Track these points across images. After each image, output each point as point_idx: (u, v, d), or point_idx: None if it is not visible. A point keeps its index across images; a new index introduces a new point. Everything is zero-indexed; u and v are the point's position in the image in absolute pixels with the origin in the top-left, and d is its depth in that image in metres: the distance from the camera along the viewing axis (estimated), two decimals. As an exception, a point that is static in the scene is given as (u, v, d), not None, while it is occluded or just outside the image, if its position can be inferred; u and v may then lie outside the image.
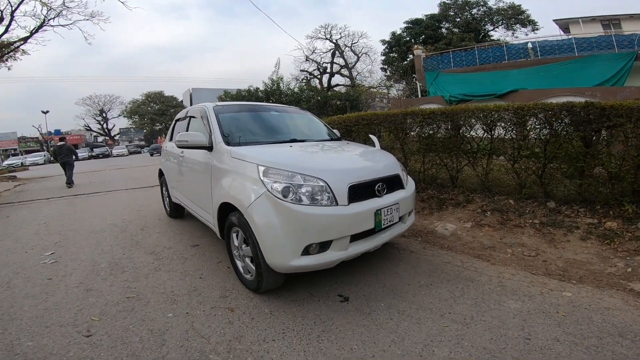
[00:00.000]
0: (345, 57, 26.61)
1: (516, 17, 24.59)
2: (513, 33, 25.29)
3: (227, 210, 2.48)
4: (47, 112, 39.78)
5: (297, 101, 16.17)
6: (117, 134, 54.89)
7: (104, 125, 51.16)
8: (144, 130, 51.40)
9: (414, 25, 26.78)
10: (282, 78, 16.69)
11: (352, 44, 26.95)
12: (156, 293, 2.50)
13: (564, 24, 17.89)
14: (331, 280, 2.58)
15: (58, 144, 10.01)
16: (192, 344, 1.90)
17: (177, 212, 4.57)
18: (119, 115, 50.34)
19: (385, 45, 28.41)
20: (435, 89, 15.54)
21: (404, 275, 2.66)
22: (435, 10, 27.38)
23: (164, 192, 4.91)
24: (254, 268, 2.28)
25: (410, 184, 2.86)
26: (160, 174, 4.85)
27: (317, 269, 2.12)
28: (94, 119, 50.02)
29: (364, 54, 27.35)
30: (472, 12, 25.80)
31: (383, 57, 28.96)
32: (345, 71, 26.99)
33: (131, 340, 1.95)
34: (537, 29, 24.27)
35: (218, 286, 2.57)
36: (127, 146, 43.44)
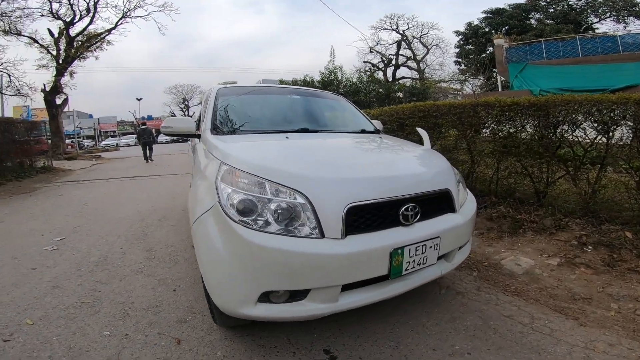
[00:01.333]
0: (413, 48, 24.81)
1: (629, 9, 20.16)
2: (625, 27, 20.81)
3: None
4: (141, 99, 44.95)
5: (356, 92, 15.26)
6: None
7: (186, 113, 56.33)
8: (220, 120, 55.66)
9: (495, 16, 23.82)
10: (339, 67, 15.88)
11: (421, 35, 25.03)
12: (114, 302, 2.12)
13: None
14: (321, 326, 1.82)
15: (141, 127, 12.06)
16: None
17: None
18: (198, 104, 54.68)
19: (460, 37, 25.85)
20: (521, 82, 13.41)
21: (433, 332, 1.77)
22: (521, 0, 23.92)
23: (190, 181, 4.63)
24: None
25: (468, 205, 1.94)
26: None
27: (285, 321, 1.49)
28: (178, 106, 55.52)
29: (434, 46, 25.27)
30: (570, 3, 21.98)
31: (457, 50, 26.37)
32: (412, 63, 25.21)
33: (39, 355, 1.64)
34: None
35: (184, 306, 2.07)
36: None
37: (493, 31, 23.42)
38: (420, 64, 25.25)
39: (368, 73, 22.34)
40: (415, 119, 4.36)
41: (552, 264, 2.58)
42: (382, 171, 1.66)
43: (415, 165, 1.88)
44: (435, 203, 1.69)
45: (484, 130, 3.86)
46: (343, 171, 1.57)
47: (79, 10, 13.25)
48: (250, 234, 1.31)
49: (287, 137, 2.08)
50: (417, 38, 25.14)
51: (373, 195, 1.47)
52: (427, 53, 25.40)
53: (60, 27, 12.90)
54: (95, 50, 13.76)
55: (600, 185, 3.04)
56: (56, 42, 13.09)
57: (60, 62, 13.19)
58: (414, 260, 1.50)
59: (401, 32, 24.83)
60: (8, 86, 13.58)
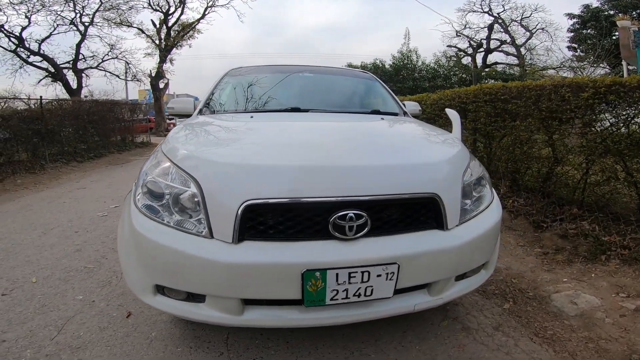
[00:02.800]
0: (510, 32, 21.60)
1: None
2: None
3: None
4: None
5: (433, 78, 13.88)
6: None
7: None
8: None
9: None
10: (414, 50, 14.56)
11: (521, 18, 21.59)
12: (110, 270, 2.20)
13: None
14: (269, 334, 1.56)
15: None
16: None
17: None
18: None
19: (574, 20, 21.58)
20: (656, 69, 10.41)
21: None
22: None
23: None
24: None
25: (484, 217, 1.37)
26: None
27: (188, 319, 1.35)
28: None
29: (539, 30, 21.69)
30: None
31: (571, 34, 22.15)
32: (508, 48, 21.93)
33: (14, 310, 1.69)
34: None
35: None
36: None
37: (619, 14, 18.90)
38: (521, 49, 21.89)
39: (454, 58, 20.25)
40: (479, 103, 3.62)
41: (627, 307, 1.81)
42: (333, 159, 1.24)
43: (393, 156, 1.37)
44: (409, 213, 1.21)
45: (576, 122, 2.94)
46: (269, 156, 1.25)
47: (173, 2, 15.08)
48: (140, 222, 1.16)
49: (251, 117, 1.85)
50: (516, 21, 21.78)
51: (287, 192, 1.10)
52: (530, 37, 21.82)
53: (160, 18, 14.95)
54: (188, 38, 15.58)
55: None
56: (158, 32, 15.22)
57: (162, 50, 15.21)
58: (346, 290, 1.10)
59: (495, 14, 21.76)
60: (126, 72, 16.22)
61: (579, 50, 21.90)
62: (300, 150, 1.33)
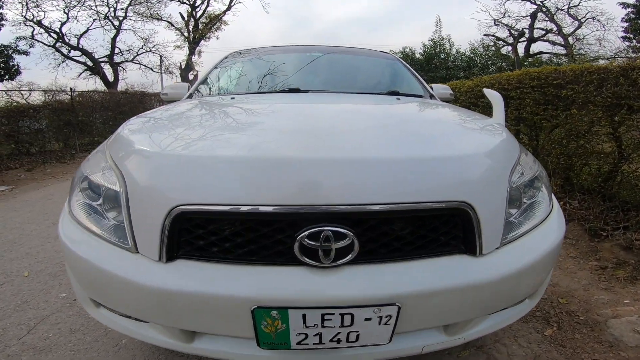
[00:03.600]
0: (557, 20, 19.91)
1: None
2: None
3: None
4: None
5: (469, 67, 12.97)
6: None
7: None
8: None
9: None
10: (447, 38, 13.60)
11: (568, 6, 19.82)
12: None
13: None
14: None
15: None
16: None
17: None
18: None
19: (629, 10, 19.62)
20: None
21: None
22: None
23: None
24: None
25: (540, 236, 0.95)
26: None
27: (136, 338, 1.02)
28: None
29: (589, 19, 19.92)
30: None
31: (626, 24, 20.21)
32: (554, 37, 20.21)
33: None
34: None
35: None
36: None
37: None
38: (569, 39, 20.14)
39: (492, 48, 19.00)
40: (524, 89, 3.12)
41: None
42: (307, 151, 0.89)
43: (403, 146, 0.96)
44: (420, 231, 0.84)
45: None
46: (219, 146, 0.93)
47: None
48: (65, 228, 0.96)
49: (232, 99, 1.59)
50: (562, 10, 20.00)
51: (232, 197, 0.79)
52: (580, 26, 20.03)
53: (187, 11, 15.18)
54: (215, 30, 15.74)
55: None
56: (186, 24, 15.50)
57: (191, 42, 15.47)
58: (320, 334, 0.79)
59: (539, 2, 20.06)
60: (161, 65, 16.71)
61: (634, 41, 20.00)
62: (267, 138, 0.99)
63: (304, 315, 0.75)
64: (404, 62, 2.40)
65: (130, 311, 0.87)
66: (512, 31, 21.23)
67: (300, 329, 0.77)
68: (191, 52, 15.83)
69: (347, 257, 0.78)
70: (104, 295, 0.90)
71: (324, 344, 0.80)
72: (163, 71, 16.77)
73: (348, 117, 1.28)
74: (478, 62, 13.57)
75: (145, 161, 0.89)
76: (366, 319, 0.77)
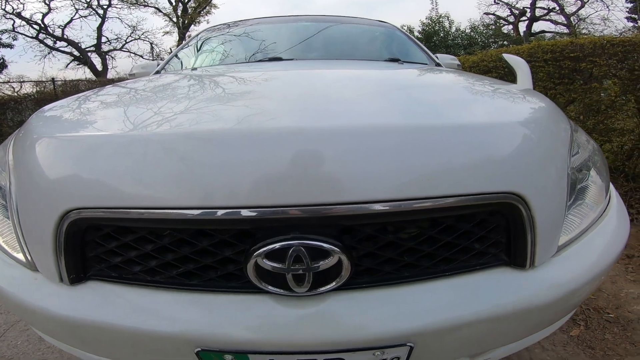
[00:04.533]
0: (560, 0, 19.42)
1: None
2: None
3: None
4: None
5: (469, 45, 12.62)
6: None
7: None
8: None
9: None
10: (446, 15, 13.20)
11: None
12: None
13: None
14: None
15: None
16: None
17: None
18: None
19: None
20: None
21: None
22: None
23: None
24: None
25: (590, 246, 0.67)
26: None
27: None
28: None
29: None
30: None
31: (630, 5, 19.85)
32: (557, 17, 19.75)
33: None
34: None
35: None
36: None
37: None
38: (572, 19, 19.70)
39: (492, 27, 18.59)
40: (537, 62, 2.86)
41: None
42: (273, 120, 0.62)
43: (418, 111, 0.70)
44: (445, 238, 0.58)
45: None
46: (141, 124, 0.65)
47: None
48: None
49: (193, 70, 1.41)
50: None
51: (155, 192, 0.55)
52: (583, 6, 19.55)
53: None
54: (205, 14, 15.18)
55: None
56: (174, 9, 14.89)
57: (180, 28, 14.94)
58: None
59: None
60: (152, 52, 16.18)
61: (638, 22, 19.59)
62: (212, 110, 0.71)
63: None
64: (404, 31, 2.12)
65: (48, 336, 0.69)
66: (513, 10, 20.73)
67: None
68: (181, 38, 15.35)
69: (331, 285, 0.54)
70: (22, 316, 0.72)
71: None
72: (154, 58, 16.29)
73: (339, 81, 1.00)
74: (479, 40, 13.18)
75: (41, 149, 0.65)
76: None
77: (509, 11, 21.27)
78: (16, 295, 0.61)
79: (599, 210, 0.75)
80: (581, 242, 0.68)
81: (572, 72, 2.64)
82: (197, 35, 1.99)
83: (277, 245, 0.52)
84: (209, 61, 1.62)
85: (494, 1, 20.91)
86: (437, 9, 13.87)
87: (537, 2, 20.52)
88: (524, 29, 20.60)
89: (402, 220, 0.57)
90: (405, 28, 14.16)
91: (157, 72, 1.64)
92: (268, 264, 0.52)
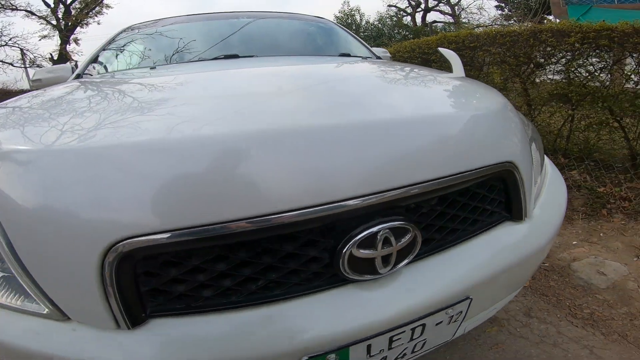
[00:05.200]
0: None
1: None
2: None
3: None
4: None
5: (378, 36, 13.54)
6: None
7: None
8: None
9: None
10: (357, 9, 14.04)
11: None
12: None
13: None
14: None
15: None
16: None
17: None
18: None
19: None
20: (585, 28, 11.14)
21: None
22: None
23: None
24: None
25: (552, 192, 0.90)
26: None
27: None
28: None
29: None
30: None
31: None
32: (445, 7, 22.19)
33: None
34: None
35: None
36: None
37: None
38: (455, 8, 22.25)
39: (395, 18, 20.07)
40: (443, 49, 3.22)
41: None
42: (318, 117, 0.62)
43: (429, 105, 0.77)
44: (470, 203, 0.70)
45: (549, 68, 2.68)
46: (174, 126, 0.57)
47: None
48: None
49: (152, 69, 1.21)
50: None
51: (225, 206, 0.50)
52: None
53: None
54: (95, 15, 13.16)
55: None
56: (53, 11, 12.60)
57: (63, 30, 12.77)
58: (384, 358, 0.63)
59: None
60: (23, 59, 13.53)
61: (505, 10, 22.97)
62: (248, 107, 0.66)
63: (368, 347, 0.57)
64: (341, 25, 2.14)
65: None
66: (411, 1, 22.75)
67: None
68: (64, 42, 13.16)
69: (408, 258, 0.60)
70: None
71: None
72: (28, 65, 13.75)
73: (329, 77, 1.00)
74: (385, 31, 14.23)
75: (54, 166, 0.52)
76: (437, 324, 0.64)
77: (407, 2, 23.24)
78: (51, 354, 0.48)
79: (543, 173, 0.95)
80: (541, 199, 0.86)
81: (471, 59, 3.03)
82: (122, 34, 1.72)
83: (371, 230, 0.55)
84: (159, 60, 1.41)
85: None
86: (348, 2, 14.54)
87: None
88: (420, 20, 22.75)
89: (447, 193, 0.65)
90: (320, 22, 14.62)
91: (79, 76, 1.39)
92: (362, 252, 0.55)
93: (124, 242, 0.47)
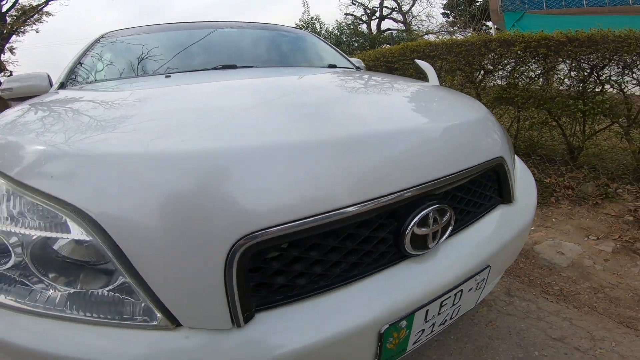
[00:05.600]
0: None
1: None
2: None
3: None
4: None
5: (337, 45, 13.97)
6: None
7: None
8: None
9: None
10: (317, 18, 14.31)
11: None
12: None
13: None
14: None
15: None
16: None
17: None
18: None
19: None
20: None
21: None
22: None
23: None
24: None
25: (525, 181, 1.12)
26: None
27: None
28: None
29: None
30: None
31: (445, 1, 24.31)
32: (398, 15, 23.32)
33: None
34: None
35: None
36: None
37: None
38: (406, 16, 23.42)
39: (352, 26, 20.67)
40: (406, 61, 3.47)
41: (605, 250, 1.85)
42: (368, 126, 0.74)
43: (438, 116, 0.93)
44: (478, 190, 0.88)
45: (498, 74, 3.01)
46: (255, 133, 0.65)
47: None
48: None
49: (167, 77, 1.25)
50: None
51: (323, 198, 0.59)
52: (413, 4, 23.35)
53: None
54: (33, 23, 12.02)
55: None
56: (-15, 19, 11.34)
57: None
58: (433, 324, 0.75)
59: None
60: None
61: (450, 17, 24.25)
62: (299, 118, 0.74)
63: (426, 312, 0.69)
64: (323, 39, 2.26)
65: None
66: (367, 10, 23.51)
67: (420, 326, 0.71)
68: (-1, 50, 11.94)
69: (446, 234, 0.74)
70: None
71: (434, 331, 0.77)
72: None
73: (343, 90, 1.12)
74: (344, 39, 14.69)
75: (155, 171, 0.55)
76: (469, 290, 0.77)
77: (363, 11, 23.99)
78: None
79: (515, 165, 1.15)
80: (518, 186, 1.03)
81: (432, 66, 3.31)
82: (105, 37, 1.68)
83: (424, 211, 0.68)
84: (155, 68, 1.40)
85: (352, 2, 23.28)
86: (308, 11, 14.79)
87: (384, 2, 23.70)
88: (375, 28, 23.59)
89: (464, 182, 0.81)
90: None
91: (63, 85, 1.35)
92: (421, 229, 0.68)
93: (251, 235, 0.52)
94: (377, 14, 23.50)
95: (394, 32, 22.83)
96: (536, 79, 2.75)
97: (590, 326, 1.32)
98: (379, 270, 0.67)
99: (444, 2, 24.64)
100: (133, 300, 0.53)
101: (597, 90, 2.49)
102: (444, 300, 0.71)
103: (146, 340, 0.51)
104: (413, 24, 23.44)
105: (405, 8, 23.66)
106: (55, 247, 0.54)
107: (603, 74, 2.45)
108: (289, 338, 0.55)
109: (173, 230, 0.52)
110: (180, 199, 0.53)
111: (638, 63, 2.29)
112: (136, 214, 0.52)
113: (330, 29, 15.25)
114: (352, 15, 23.38)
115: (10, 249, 0.54)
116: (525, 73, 2.77)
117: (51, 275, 0.54)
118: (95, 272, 0.54)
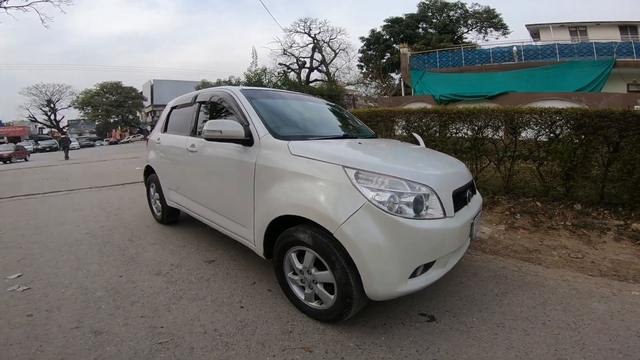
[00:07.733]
0: (323, 52, 25.60)
1: (490, 21, 24.74)
2: (484, 36, 25.51)
3: (281, 224, 1.98)
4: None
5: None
6: (66, 126, 50.30)
7: (52, 117, 46.33)
8: (97, 123, 49.64)
9: (394, 24, 26.18)
10: (264, 70, 16.10)
11: (330, 39, 25.53)
12: (195, 333, 1.87)
13: (535, 29, 18.80)
14: (397, 299, 2.15)
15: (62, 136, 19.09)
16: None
17: (171, 217, 3.76)
18: (69, 106, 45.91)
19: (364, 43, 27.34)
20: (422, 87, 15.77)
21: (470, 285, 2.39)
22: (415, 10, 26.63)
23: (152, 193, 4.01)
24: (331, 297, 1.81)
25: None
26: (149, 171, 3.96)
27: (418, 290, 1.70)
28: (41, 109, 44.96)
29: (341, 50, 25.82)
30: (450, 14, 25.44)
31: (361, 55, 27.79)
32: (323, 67, 26.26)
33: None
34: (507, 33, 24.94)
35: (271, 318, 2.00)
36: (77, 139, 41.74)
37: (392, 39, 25.84)
38: (330, 68, 25.83)
39: (282, 75, 22.33)
40: (373, 122, 5.11)
41: (501, 229, 3.54)
42: (449, 165, 2.18)
43: (454, 161, 2.39)
44: (471, 187, 2.25)
45: (434, 129, 4.78)
46: (436, 166, 2.04)
47: None
48: (406, 221, 1.59)
49: (359, 143, 2.31)
50: (326, 42, 25.54)
51: (460, 184, 2.00)
52: (335, 57, 25.81)
53: None
54: None
55: (514, 171, 4.29)
56: None
57: None
58: (476, 228, 2.10)
59: (313, 35, 25.17)
60: None
61: (364, 69, 27.66)
62: (438, 162, 2.16)
63: (477, 218, 2.16)
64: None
65: (447, 248, 1.74)
66: (299, 60, 25.64)
67: (475, 225, 2.09)
68: None
69: (471, 198, 2.19)
70: (437, 248, 1.68)
71: (475, 232, 2.11)
72: None
73: (422, 154, 2.41)
74: (285, 89, 16.65)
75: (437, 178, 1.84)
76: (479, 216, 2.22)
77: (295, 61, 26.04)
78: (445, 226, 1.74)
79: None
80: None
81: (391, 125, 5.01)
82: (250, 96, 2.57)
83: (467, 190, 2.14)
84: (311, 128, 2.66)
85: (284, 52, 25.22)
86: (256, 62, 16.33)
87: (314, 54, 26.07)
88: (305, 78, 25.79)
89: (469, 186, 2.20)
90: (234, 80, 15.98)
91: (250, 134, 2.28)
92: (467, 196, 2.14)
93: (455, 189, 1.98)
94: (307, 66, 25.87)
95: (319, 82, 25.03)
96: (452, 135, 4.62)
97: (513, 262, 2.76)
98: (464, 206, 1.99)
99: (360, 55, 28.05)
100: (439, 211, 1.73)
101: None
102: (477, 217, 2.05)
103: (441, 221, 1.73)
104: (336, 75, 25.94)
105: (328, 58, 26.06)
106: (417, 197, 1.67)
107: (484, 132, 4.32)
108: (459, 220, 1.87)
109: (444, 190, 1.85)
110: (444, 184, 1.86)
111: (499, 125, 4.11)
112: (439, 185, 1.79)
113: (274, 81, 16.97)
114: (284, 65, 25.41)
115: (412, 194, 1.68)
116: (447, 132, 4.63)
117: (416, 207, 1.68)
118: (430, 205, 1.71)
